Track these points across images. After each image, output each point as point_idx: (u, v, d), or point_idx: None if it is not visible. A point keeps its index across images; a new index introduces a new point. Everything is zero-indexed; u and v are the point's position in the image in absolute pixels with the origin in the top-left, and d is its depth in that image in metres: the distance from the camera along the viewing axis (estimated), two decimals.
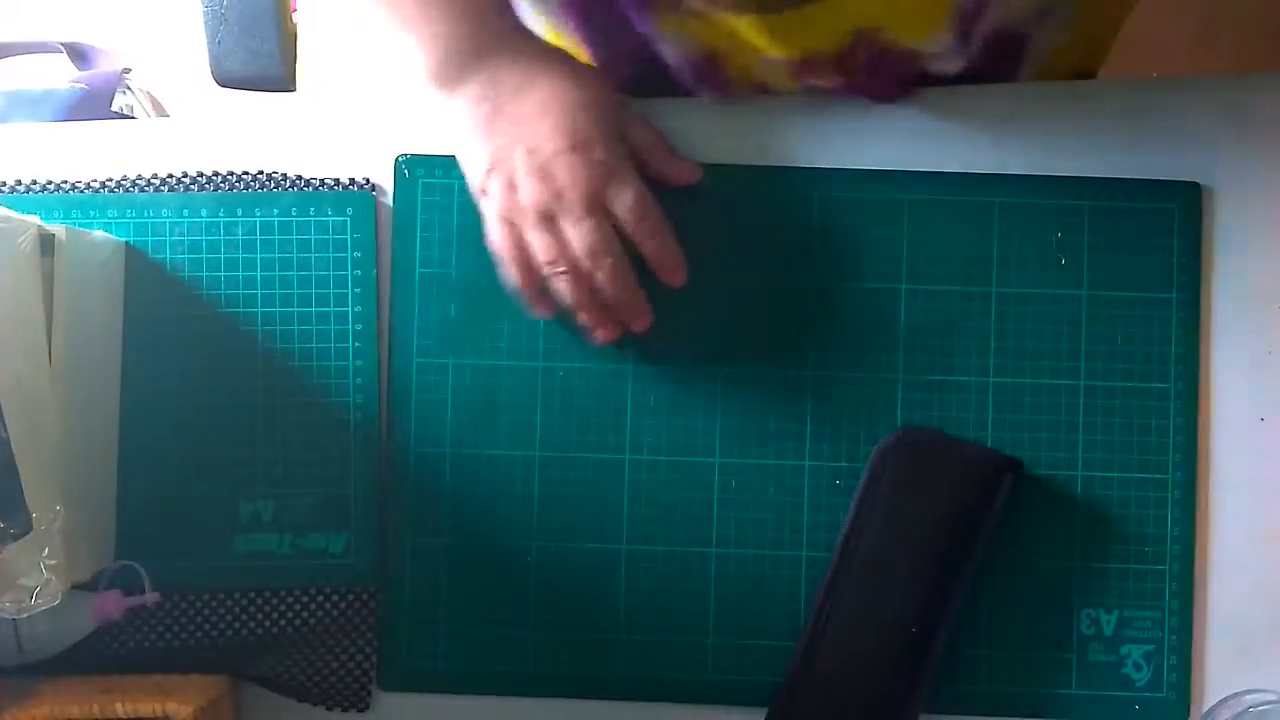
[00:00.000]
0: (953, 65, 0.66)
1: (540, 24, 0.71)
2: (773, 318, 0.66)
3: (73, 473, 0.61)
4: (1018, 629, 0.65)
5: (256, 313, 0.67)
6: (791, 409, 0.66)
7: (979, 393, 0.65)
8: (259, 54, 0.87)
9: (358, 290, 0.67)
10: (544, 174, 0.60)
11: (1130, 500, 0.65)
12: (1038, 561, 0.65)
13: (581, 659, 0.66)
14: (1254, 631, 0.65)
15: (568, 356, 0.66)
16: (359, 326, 0.67)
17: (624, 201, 0.61)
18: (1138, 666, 0.65)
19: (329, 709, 0.67)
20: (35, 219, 0.59)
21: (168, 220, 0.67)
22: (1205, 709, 0.64)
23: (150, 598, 0.65)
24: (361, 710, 0.67)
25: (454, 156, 0.65)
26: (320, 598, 0.66)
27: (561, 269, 0.61)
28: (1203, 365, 0.65)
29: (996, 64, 0.68)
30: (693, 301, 0.65)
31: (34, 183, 0.68)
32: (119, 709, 0.60)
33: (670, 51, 0.66)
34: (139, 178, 0.68)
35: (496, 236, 0.63)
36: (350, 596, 0.66)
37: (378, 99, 1.10)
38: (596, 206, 0.61)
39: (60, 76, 1.03)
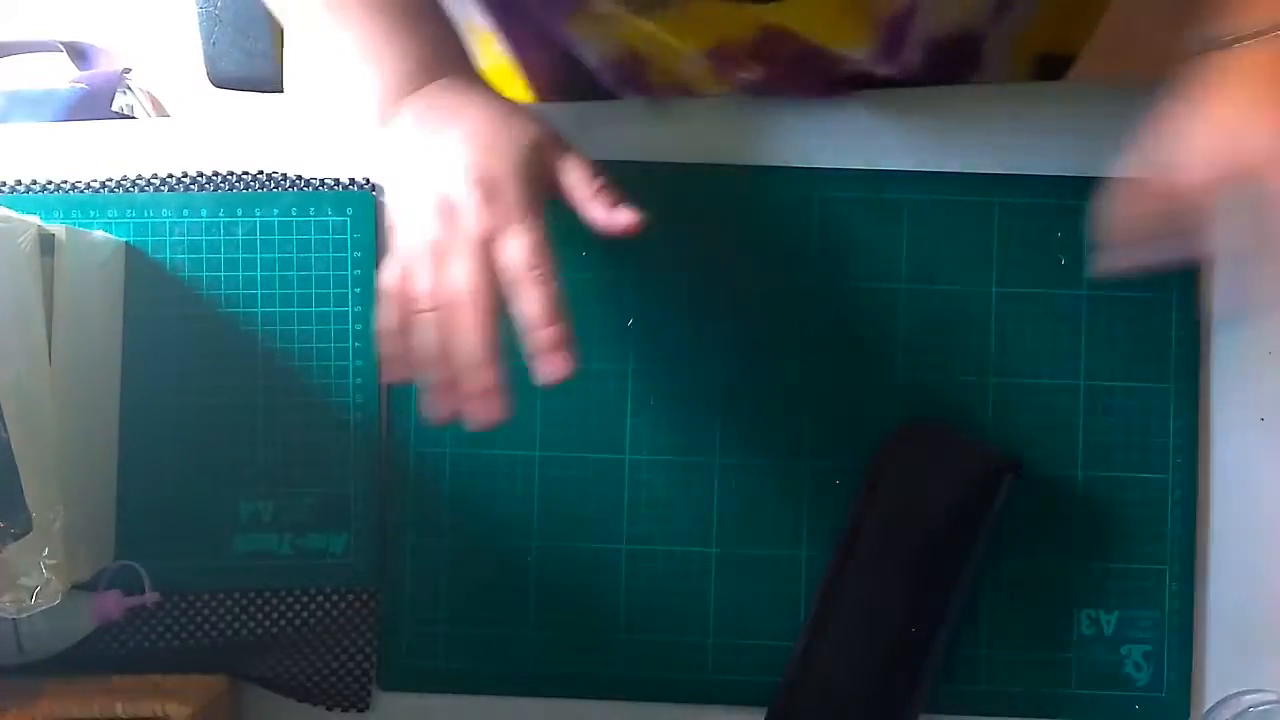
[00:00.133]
0: (887, 69, 0.65)
1: (474, 36, 0.71)
2: (772, 318, 0.66)
3: (73, 473, 0.61)
4: (1018, 629, 0.65)
5: (256, 313, 0.67)
6: (791, 409, 0.66)
7: (979, 393, 0.65)
8: (254, 54, 0.87)
9: (358, 290, 0.67)
10: (446, 211, 0.56)
11: (1130, 500, 0.65)
12: (1038, 561, 0.65)
13: (581, 659, 0.66)
14: (1254, 631, 0.65)
15: None
16: (359, 326, 0.67)
17: (513, 248, 0.55)
18: (1138, 666, 0.65)
19: (329, 709, 0.67)
20: (35, 219, 0.59)
21: (168, 220, 0.67)
22: (1205, 709, 0.64)
23: (150, 598, 0.65)
24: (361, 710, 0.67)
25: None
26: (320, 598, 0.66)
27: (423, 308, 0.55)
28: (1203, 365, 0.65)
29: (949, 66, 0.67)
30: (693, 301, 0.65)
31: (34, 183, 0.68)
32: (119, 709, 0.60)
33: (589, 54, 0.66)
34: (139, 178, 0.68)
35: (386, 271, 0.58)
36: (350, 596, 0.66)
37: None
38: (482, 251, 0.55)
39: (60, 76, 1.03)
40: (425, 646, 0.66)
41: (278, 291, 0.67)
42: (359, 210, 0.67)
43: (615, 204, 0.58)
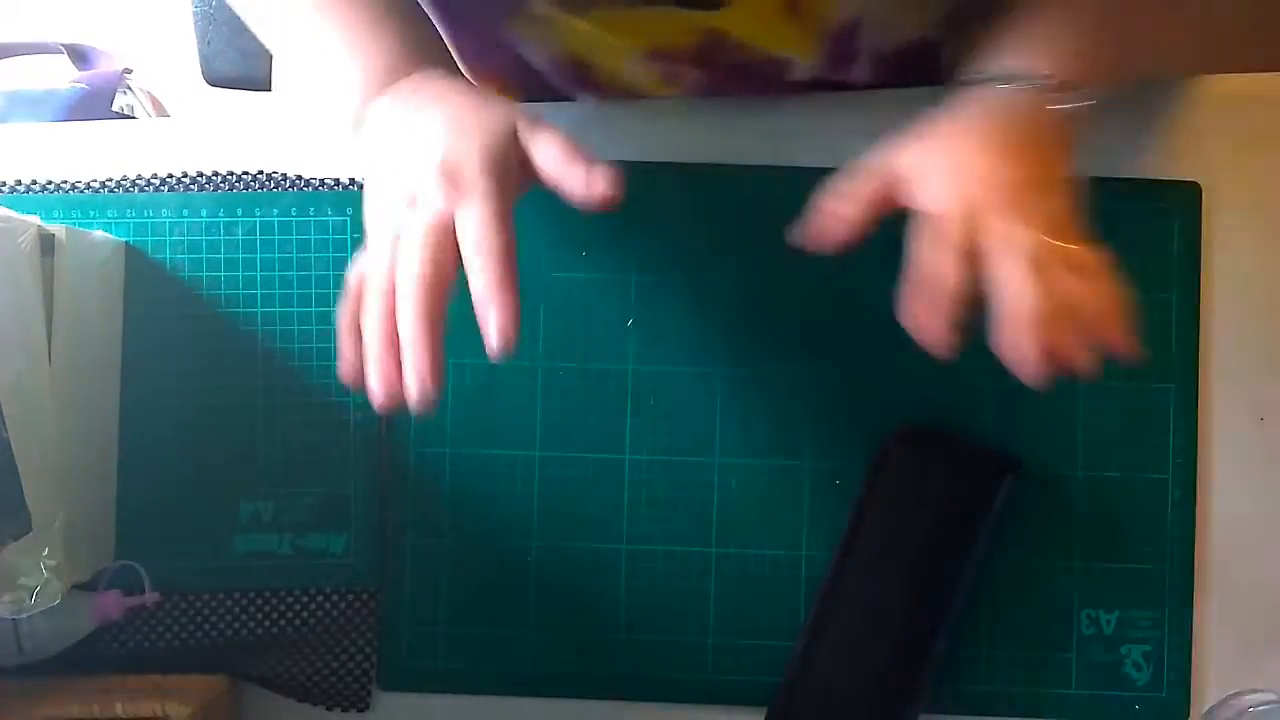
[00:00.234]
0: (842, 77, 0.65)
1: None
2: (773, 317, 0.66)
3: (73, 473, 0.61)
4: (1018, 629, 0.65)
5: (256, 313, 0.67)
6: (791, 409, 0.66)
7: (979, 393, 0.65)
8: (248, 54, 0.88)
9: None
10: (411, 202, 0.55)
11: (1130, 500, 0.65)
12: (1038, 561, 0.65)
13: (581, 659, 0.66)
14: (1254, 631, 0.65)
15: (568, 356, 0.66)
16: None
17: (468, 222, 0.52)
18: (1137, 666, 0.65)
19: (329, 709, 0.67)
20: (35, 219, 0.59)
21: (168, 220, 0.67)
22: (1205, 709, 0.64)
23: (150, 598, 0.65)
24: (361, 710, 0.67)
25: None
26: (320, 598, 0.66)
27: (375, 285, 0.53)
28: (1203, 365, 0.65)
29: (908, 74, 0.67)
30: (693, 301, 0.65)
31: (34, 183, 0.68)
32: (119, 709, 0.60)
33: (535, 57, 0.66)
34: (139, 178, 0.68)
35: (351, 269, 0.56)
36: (350, 596, 0.66)
37: None
38: (438, 228, 0.53)
39: (60, 76, 1.03)
40: (425, 646, 0.66)
41: (278, 291, 0.67)
42: (359, 210, 0.67)
43: (589, 170, 0.54)
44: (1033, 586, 0.65)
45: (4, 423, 0.55)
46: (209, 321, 0.67)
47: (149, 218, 0.67)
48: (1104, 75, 0.55)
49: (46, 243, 0.60)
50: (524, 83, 0.70)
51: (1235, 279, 0.65)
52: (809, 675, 0.64)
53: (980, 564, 0.64)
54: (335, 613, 0.66)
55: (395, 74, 0.59)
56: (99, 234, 0.66)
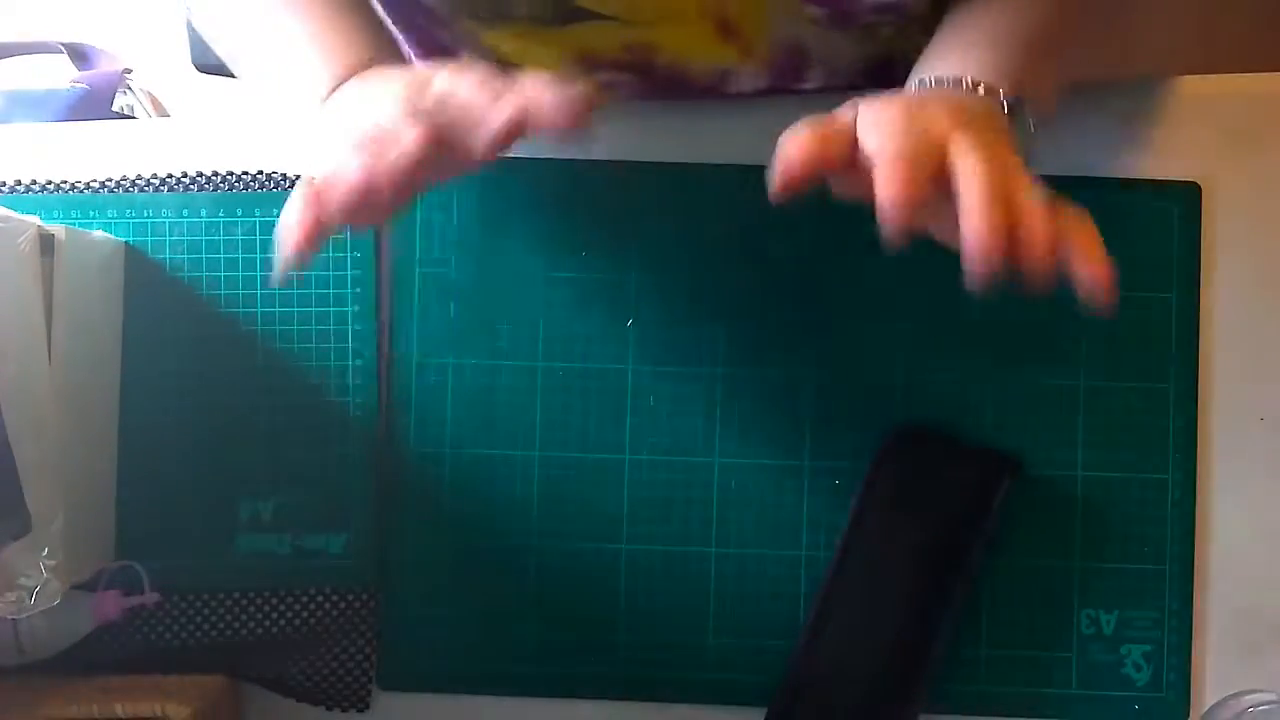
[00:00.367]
0: (799, 86, 0.65)
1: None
2: (772, 318, 0.66)
3: (73, 473, 0.61)
4: (1018, 629, 0.65)
5: (256, 313, 0.67)
6: (791, 409, 0.66)
7: (979, 393, 0.65)
8: None
9: (358, 290, 0.67)
10: (375, 120, 0.51)
11: (1130, 500, 0.65)
12: (1038, 561, 0.65)
13: (581, 659, 0.66)
14: (1254, 631, 0.65)
15: (568, 356, 0.66)
16: (359, 326, 0.67)
17: (458, 87, 0.51)
18: (1137, 666, 0.65)
19: (329, 709, 0.67)
20: (35, 219, 0.59)
21: (168, 220, 0.67)
22: (1205, 709, 0.64)
23: (150, 598, 0.65)
24: (361, 710, 0.67)
25: None
26: (320, 598, 0.66)
27: (362, 135, 0.50)
28: (1203, 365, 0.65)
29: (865, 81, 0.67)
30: (693, 301, 0.65)
31: (34, 183, 0.68)
32: (118, 709, 0.60)
33: (475, 61, 0.66)
34: (139, 178, 0.68)
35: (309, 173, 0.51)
36: (350, 596, 0.66)
37: None
38: (417, 84, 0.52)
39: (60, 76, 1.03)
40: (425, 646, 0.66)
41: (278, 291, 0.67)
42: None
43: (566, 102, 0.48)
44: (1032, 586, 0.65)
45: (4, 423, 0.55)
46: (209, 321, 0.67)
47: (149, 218, 0.67)
48: (1026, 83, 0.54)
49: (46, 243, 0.60)
50: None
51: (1235, 279, 0.66)
52: (809, 675, 0.64)
53: (980, 564, 0.64)
54: (335, 613, 0.66)
55: (363, 68, 0.59)
56: (99, 234, 0.66)
